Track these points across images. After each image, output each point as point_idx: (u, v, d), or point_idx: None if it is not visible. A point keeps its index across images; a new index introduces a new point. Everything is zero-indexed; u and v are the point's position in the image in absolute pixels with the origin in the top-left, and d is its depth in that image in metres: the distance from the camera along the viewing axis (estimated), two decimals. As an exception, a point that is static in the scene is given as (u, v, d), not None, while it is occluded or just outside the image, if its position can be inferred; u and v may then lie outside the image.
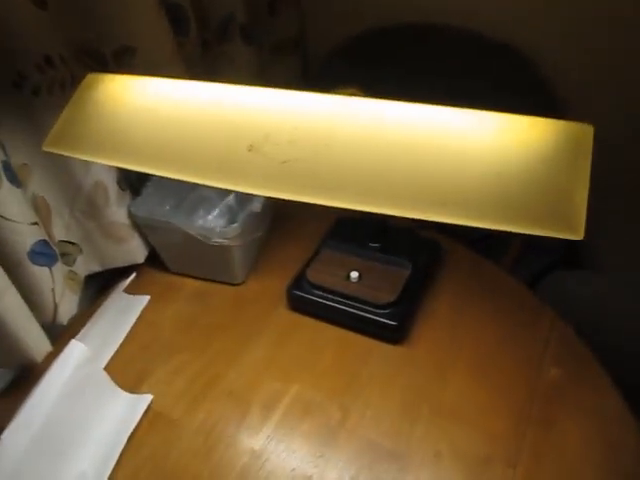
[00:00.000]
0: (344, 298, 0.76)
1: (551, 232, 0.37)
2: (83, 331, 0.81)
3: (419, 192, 0.41)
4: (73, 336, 0.79)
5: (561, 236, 0.37)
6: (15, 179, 0.67)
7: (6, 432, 0.64)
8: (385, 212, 0.41)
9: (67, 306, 0.79)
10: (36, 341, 0.73)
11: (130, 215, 0.84)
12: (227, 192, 0.90)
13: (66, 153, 0.55)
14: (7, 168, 0.66)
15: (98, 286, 0.92)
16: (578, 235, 0.37)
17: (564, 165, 0.40)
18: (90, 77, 0.59)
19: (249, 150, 0.46)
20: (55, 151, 0.55)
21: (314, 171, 0.43)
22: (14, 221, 0.67)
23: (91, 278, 0.88)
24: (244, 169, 0.46)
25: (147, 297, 0.86)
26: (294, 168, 0.43)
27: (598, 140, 0.41)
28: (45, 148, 0.55)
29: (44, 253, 0.72)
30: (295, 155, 0.43)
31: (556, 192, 0.39)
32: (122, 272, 0.90)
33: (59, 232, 0.80)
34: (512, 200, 0.39)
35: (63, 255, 0.79)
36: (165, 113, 0.53)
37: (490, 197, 0.39)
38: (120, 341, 0.79)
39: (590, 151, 0.40)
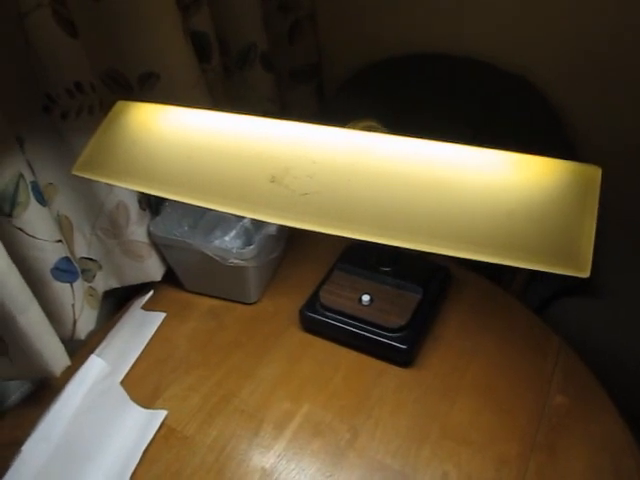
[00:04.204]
0: (355, 321, 0.78)
1: (559, 269, 0.39)
2: (101, 346, 0.83)
3: (432, 226, 0.43)
4: (91, 351, 0.81)
5: (568, 273, 0.39)
6: (42, 198, 0.70)
7: (26, 444, 0.66)
8: (399, 245, 0.43)
9: (86, 321, 0.81)
10: (56, 355, 0.74)
11: (149, 234, 0.86)
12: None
13: (94, 178, 0.57)
14: (35, 188, 0.68)
15: (115, 302, 0.94)
16: (584, 273, 0.39)
17: (573, 205, 0.42)
18: (119, 104, 0.61)
19: (271, 181, 0.48)
20: (84, 175, 0.57)
21: (333, 204, 0.45)
22: (40, 239, 0.69)
23: (108, 294, 0.90)
24: (266, 199, 0.48)
25: (163, 314, 0.88)
26: (314, 200, 0.45)
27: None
28: (75, 172, 0.57)
29: (67, 270, 0.74)
30: (315, 188, 0.46)
31: (564, 231, 0.41)
32: (139, 289, 0.93)
33: (80, 249, 0.83)
34: (522, 237, 0.41)
35: (83, 271, 0.81)
36: (191, 142, 0.55)
37: (500, 234, 0.41)
38: (136, 356, 0.81)
39: (597, 192, 0.42)
